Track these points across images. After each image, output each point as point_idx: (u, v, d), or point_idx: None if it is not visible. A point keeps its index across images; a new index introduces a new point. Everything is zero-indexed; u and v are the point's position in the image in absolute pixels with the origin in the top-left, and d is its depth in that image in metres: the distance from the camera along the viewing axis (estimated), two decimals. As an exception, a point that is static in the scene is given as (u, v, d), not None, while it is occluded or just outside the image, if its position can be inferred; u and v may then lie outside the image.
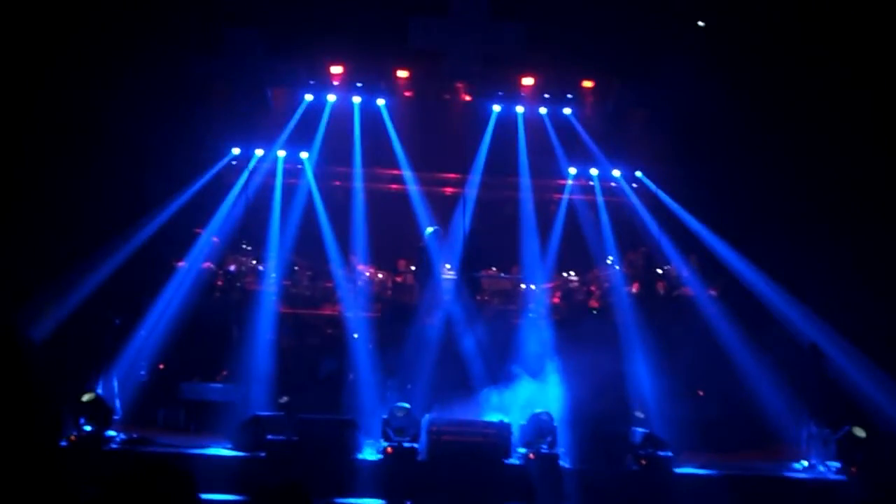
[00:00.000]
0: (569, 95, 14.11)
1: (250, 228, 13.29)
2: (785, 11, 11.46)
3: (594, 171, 14.37)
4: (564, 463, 9.30)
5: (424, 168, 14.10)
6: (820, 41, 11.34)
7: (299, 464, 8.85)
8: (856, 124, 11.54)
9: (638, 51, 12.75)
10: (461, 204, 13.29)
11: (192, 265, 12.38)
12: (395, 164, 14.02)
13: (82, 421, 9.21)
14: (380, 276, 13.46)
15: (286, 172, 13.91)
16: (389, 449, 9.21)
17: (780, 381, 10.76)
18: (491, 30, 13.19)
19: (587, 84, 13.98)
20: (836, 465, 9.57)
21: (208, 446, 9.48)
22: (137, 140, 11.31)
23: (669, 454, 9.36)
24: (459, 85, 14.19)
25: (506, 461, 9.30)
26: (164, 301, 11.59)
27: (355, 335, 11.81)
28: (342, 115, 13.93)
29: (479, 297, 12.77)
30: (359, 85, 13.83)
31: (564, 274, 13.80)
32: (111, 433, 9.44)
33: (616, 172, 14.33)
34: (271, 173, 13.79)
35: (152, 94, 11.42)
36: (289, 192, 13.67)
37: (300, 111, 13.84)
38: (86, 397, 9.43)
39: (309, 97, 13.83)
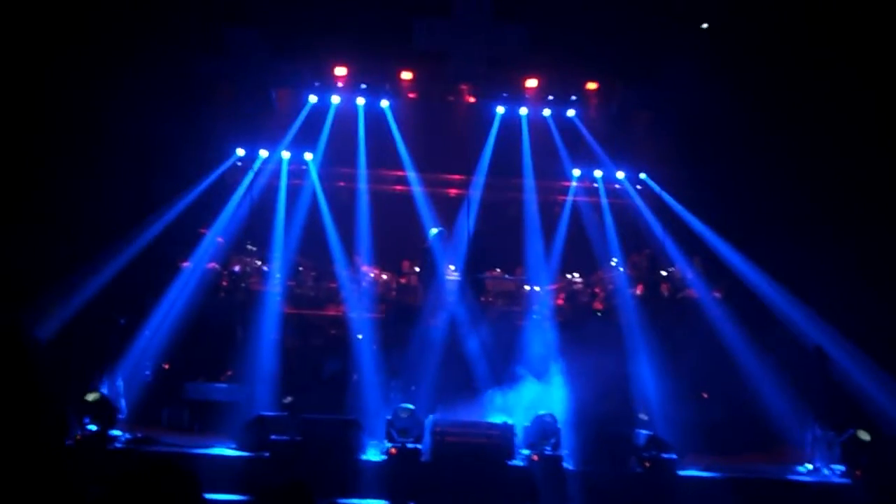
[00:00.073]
0: (573, 97, 14.13)
1: (255, 229, 13.31)
2: (789, 13, 11.45)
3: (598, 173, 14.38)
4: (568, 465, 9.29)
5: (428, 169, 14.12)
6: (823, 42, 11.33)
7: (303, 464, 8.85)
8: (860, 126, 11.52)
9: (642, 53, 12.76)
10: (465, 205, 13.31)
11: (197, 265, 12.40)
12: (399, 166, 14.05)
13: (87, 420, 9.22)
14: (384, 277, 13.48)
15: (291, 173, 13.93)
16: (393, 450, 9.21)
17: (785, 383, 10.74)
18: (495, 31, 13.21)
19: (591, 86, 14.00)
20: (840, 468, 9.55)
21: (212, 446, 9.49)
22: (142, 140, 11.35)
23: (673, 456, 9.34)
24: (463, 86, 14.23)
25: (509, 463, 9.29)
26: (169, 301, 11.60)
27: (359, 336, 11.82)
28: (346, 116, 13.97)
29: (483, 299, 12.78)
30: (363, 86, 13.86)
31: (568, 275, 13.81)
32: (116, 433, 9.45)
33: (620, 174, 14.33)
34: (276, 174, 13.82)
35: (157, 94, 11.45)
36: (293, 193, 13.70)
37: (304, 112, 13.88)
38: (90, 397, 9.44)
39: (313, 98, 13.86)
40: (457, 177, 14.54)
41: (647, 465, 9.27)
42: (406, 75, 13.78)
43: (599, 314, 12.90)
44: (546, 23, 12.73)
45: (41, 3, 10.51)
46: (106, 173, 11.17)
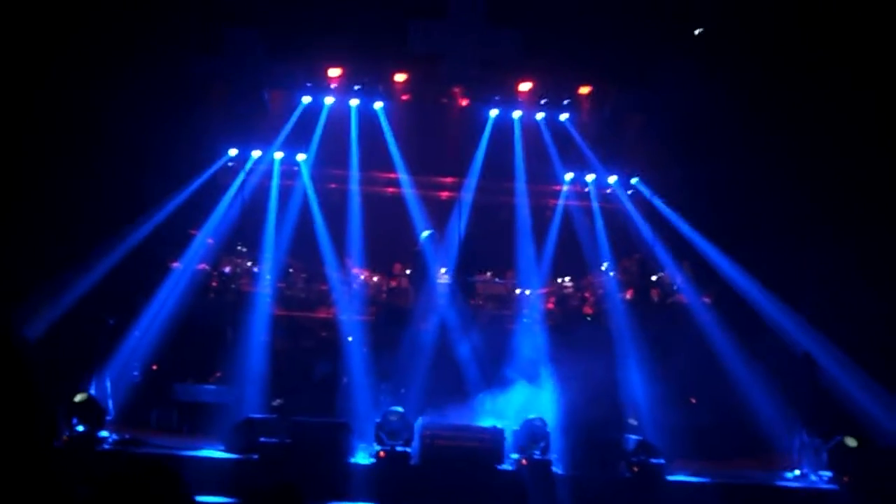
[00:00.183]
0: (565, 101, 14.14)
1: (246, 230, 13.26)
2: (782, 15, 11.50)
3: (590, 177, 14.40)
4: (557, 469, 9.30)
5: (421, 172, 14.11)
6: (817, 46, 11.37)
7: (292, 467, 8.82)
8: (853, 130, 11.56)
9: (635, 57, 12.78)
10: (457, 208, 13.30)
11: (187, 266, 12.36)
12: (391, 168, 14.03)
13: (75, 421, 9.17)
14: (375, 279, 13.46)
15: (282, 174, 13.89)
16: (382, 453, 9.20)
17: (773, 389, 10.78)
18: (488, 34, 13.22)
19: (584, 90, 14.02)
20: (827, 474, 9.59)
21: (201, 448, 9.45)
22: (134, 140, 11.29)
23: (662, 461, 9.37)
24: (457, 89, 14.22)
25: (499, 466, 9.29)
26: (159, 302, 11.56)
27: (349, 338, 11.80)
28: (339, 117, 13.94)
29: (473, 302, 12.79)
30: (356, 88, 13.84)
31: (559, 280, 13.83)
32: (104, 434, 9.41)
33: (612, 179, 14.36)
34: (267, 175, 13.78)
35: (149, 94, 11.40)
36: (285, 194, 13.65)
37: (297, 113, 13.84)
38: (78, 398, 9.39)
39: (306, 99, 13.83)
40: (449, 179, 14.53)
41: (636, 469, 9.29)
42: (400, 77, 13.77)
43: (589, 318, 12.93)
44: (540, 26, 12.75)
45: (36, 3, 10.46)
46: (97, 172, 11.12)
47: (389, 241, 13.68)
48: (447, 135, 14.34)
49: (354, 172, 13.87)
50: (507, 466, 9.36)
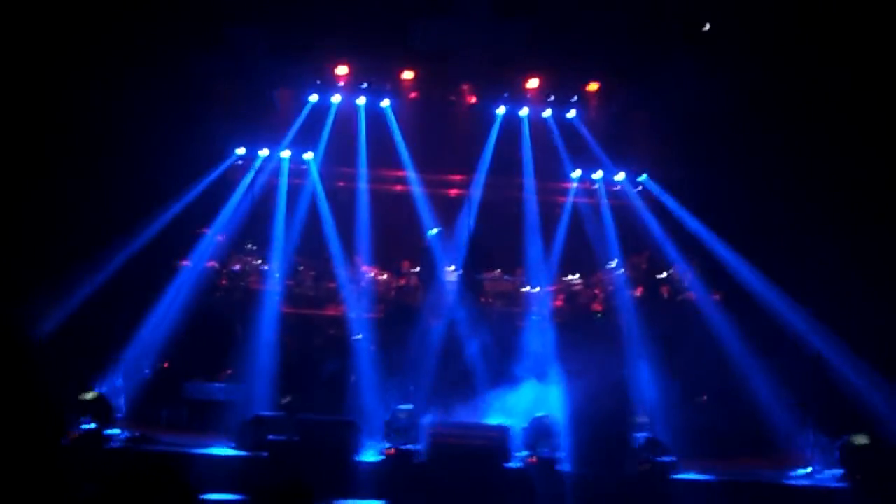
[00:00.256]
0: (573, 98, 14.10)
1: (255, 228, 13.30)
2: (790, 12, 11.43)
3: (598, 174, 14.36)
4: (565, 467, 9.29)
5: (429, 169, 14.10)
6: (824, 42, 11.30)
7: (300, 464, 8.85)
8: (862, 126, 11.49)
9: (643, 53, 12.73)
10: (465, 206, 13.28)
11: (197, 264, 12.41)
12: (399, 166, 14.03)
13: (85, 419, 9.22)
14: (383, 277, 13.48)
15: (291, 173, 13.92)
16: (391, 450, 9.21)
17: (783, 387, 10.73)
18: (496, 31, 13.19)
19: (592, 86, 13.98)
20: (838, 472, 9.54)
21: (210, 445, 9.49)
22: (143, 140, 11.34)
23: (671, 459, 9.34)
24: (464, 87, 14.21)
25: (506, 464, 9.29)
26: (168, 300, 11.61)
27: (358, 336, 11.82)
28: (347, 116, 13.95)
29: (482, 300, 12.78)
30: (364, 86, 13.84)
31: (568, 277, 13.80)
32: (113, 431, 9.47)
33: (620, 175, 14.31)
34: (276, 173, 13.81)
35: (157, 93, 11.44)
36: (293, 192, 13.69)
37: (305, 112, 13.86)
38: (88, 395, 9.45)
39: (314, 98, 13.85)
40: (457, 177, 14.52)
41: (645, 467, 9.26)
42: (407, 75, 13.76)
43: (599, 316, 12.89)
44: (547, 23, 12.71)
45: (40, 3, 10.50)
46: (105, 171, 11.17)
47: (398, 239, 13.69)
48: (455, 132, 14.32)
49: (363, 170, 13.88)
50: (514, 464, 9.35)
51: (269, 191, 13.70)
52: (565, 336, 11.60)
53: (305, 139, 13.86)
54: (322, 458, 8.95)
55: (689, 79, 12.07)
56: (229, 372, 11.33)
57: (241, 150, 13.74)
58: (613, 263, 13.60)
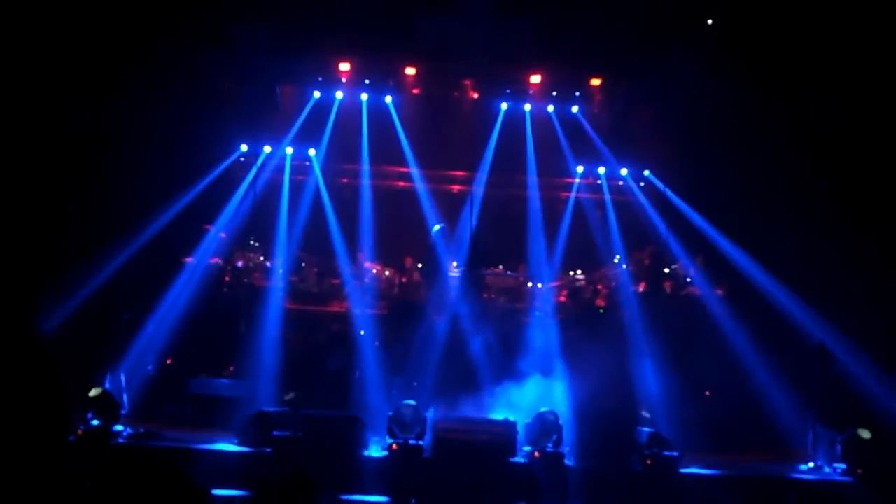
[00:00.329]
0: (576, 93, 14.08)
1: (258, 225, 13.31)
2: (794, 8, 11.41)
3: (602, 170, 14.34)
4: (569, 462, 9.31)
5: (432, 166, 14.10)
6: (830, 37, 11.28)
7: (305, 460, 8.86)
8: (868, 122, 11.47)
9: (646, 48, 12.71)
10: (468, 202, 13.28)
11: (200, 261, 12.42)
12: (402, 162, 14.02)
13: (90, 415, 9.26)
14: (387, 273, 13.48)
15: (294, 169, 13.92)
16: (395, 446, 9.23)
17: (787, 381, 10.73)
18: (499, 27, 13.17)
19: (595, 82, 13.95)
20: (841, 466, 9.55)
21: (215, 441, 9.52)
22: (146, 137, 11.36)
23: (675, 454, 9.35)
24: (467, 82, 14.18)
25: (511, 459, 9.30)
26: (172, 296, 11.62)
27: (362, 332, 11.83)
28: (350, 112, 13.95)
29: (485, 296, 12.79)
30: (367, 82, 13.83)
31: (571, 272, 13.80)
32: (118, 428, 9.49)
33: (623, 171, 14.30)
34: (279, 170, 13.81)
35: (161, 91, 11.45)
36: (297, 188, 13.69)
37: (308, 108, 13.86)
38: (93, 392, 9.47)
39: (317, 94, 13.85)
40: (460, 173, 14.51)
41: (649, 462, 9.28)
42: (410, 71, 13.75)
43: (602, 311, 12.89)
44: (550, 18, 12.70)
45: (47, 4, 10.52)
46: (110, 169, 11.18)
47: (401, 236, 13.69)
48: (458, 128, 14.32)
49: (365, 167, 13.88)
50: (519, 459, 9.37)
51: (273, 187, 13.70)
52: (569, 332, 11.61)
53: (308, 136, 13.86)
54: (327, 453, 8.98)
55: (693, 73, 12.05)
56: (233, 368, 11.36)
57: (244, 147, 13.74)
58: (617, 259, 13.59)
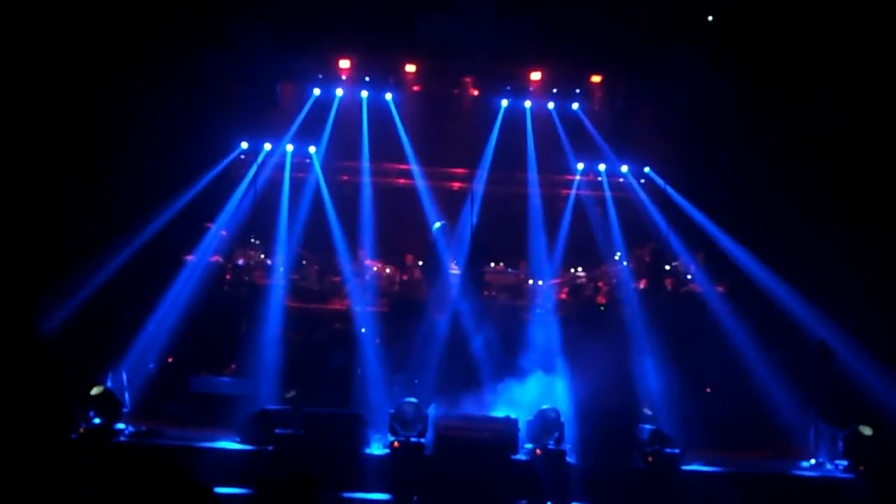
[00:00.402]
0: (577, 90, 14.07)
1: (258, 222, 13.31)
2: (795, 6, 11.39)
3: (602, 167, 14.34)
4: (571, 459, 9.31)
5: (432, 163, 14.09)
6: (831, 34, 11.26)
7: (306, 457, 8.87)
8: (869, 119, 11.46)
9: (647, 45, 12.69)
10: (469, 199, 13.28)
11: (201, 259, 12.42)
12: (403, 159, 14.02)
13: (92, 414, 9.25)
14: (387, 270, 13.48)
15: (294, 167, 13.91)
16: (396, 443, 9.23)
17: (788, 378, 10.73)
18: (499, 24, 13.15)
19: (595, 79, 13.94)
20: (843, 463, 9.55)
21: (216, 439, 9.51)
22: (146, 135, 11.34)
23: (676, 451, 9.35)
24: (467, 79, 14.18)
25: (512, 457, 9.30)
26: (173, 295, 11.62)
27: (363, 330, 11.83)
28: (350, 109, 13.94)
29: (486, 293, 12.78)
30: (367, 79, 13.82)
31: (572, 270, 13.79)
32: (120, 426, 9.49)
33: (624, 168, 14.29)
34: (280, 167, 13.80)
35: (161, 89, 11.43)
36: (297, 186, 13.68)
37: (308, 105, 13.85)
38: (95, 390, 9.47)
39: (317, 91, 13.84)
40: (460, 170, 14.51)
41: (650, 459, 9.28)
42: (410, 68, 13.73)
43: (603, 308, 12.89)
44: (550, 15, 12.68)
45: (46, 2, 10.50)
46: (110, 167, 11.17)
47: (402, 233, 13.69)
48: (458, 125, 14.32)
49: (366, 164, 13.88)
50: (521, 456, 9.37)
51: (273, 185, 13.69)
52: (570, 329, 11.60)
53: (309, 133, 13.85)
54: (328, 451, 8.97)
55: (693, 70, 12.04)
56: (234, 366, 11.36)
57: (244, 145, 13.73)
58: (617, 256, 13.59)
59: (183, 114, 11.74)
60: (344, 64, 13.66)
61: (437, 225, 13.00)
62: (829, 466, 9.68)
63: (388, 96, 13.97)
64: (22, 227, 10.34)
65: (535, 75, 13.85)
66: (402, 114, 14.04)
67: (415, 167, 13.94)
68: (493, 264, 13.66)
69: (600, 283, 13.55)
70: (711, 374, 11.41)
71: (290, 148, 13.84)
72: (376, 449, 9.42)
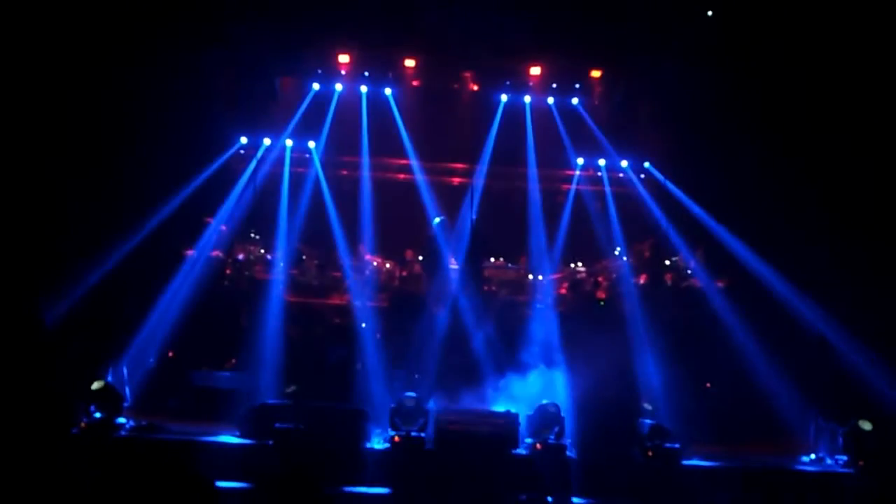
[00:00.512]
0: (577, 85, 14.05)
1: (258, 218, 13.30)
2: (794, 2, 11.39)
3: (602, 162, 14.33)
4: (571, 453, 9.32)
5: (432, 158, 14.09)
6: (831, 29, 11.26)
7: (307, 452, 8.88)
8: (868, 114, 11.46)
9: (647, 40, 12.67)
10: (469, 194, 13.28)
11: (201, 254, 12.42)
12: (402, 154, 14.01)
13: (93, 408, 9.26)
14: (387, 265, 13.48)
15: (294, 161, 13.90)
16: (397, 438, 9.24)
17: (788, 373, 10.74)
18: (499, 19, 13.11)
19: (595, 73, 13.93)
20: (843, 458, 9.57)
21: (217, 434, 9.53)
22: (147, 130, 11.32)
23: (677, 446, 9.37)
24: (467, 74, 14.17)
25: (513, 451, 9.32)
26: (174, 289, 11.62)
27: (363, 325, 11.83)
28: (350, 104, 13.92)
29: (487, 288, 12.79)
30: (366, 74, 13.81)
31: (572, 265, 13.80)
32: (121, 420, 9.49)
33: (624, 163, 14.29)
34: (279, 162, 13.79)
35: (161, 84, 11.41)
36: (297, 181, 13.67)
37: (308, 100, 13.83)
38: (96, 385, 9.47)
39: (316, 86, 13.82)
40: (460, 165, 14.50)
41: (651, 454, 9.30)
42: (409, 63, 13.72)
43: (603, 303, 12.90)
44: (550, 10, 12.64)
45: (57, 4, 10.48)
46: (111, 162, 11.16)
47: (401, 228, 13.69)
48: (458, 120, 14.31)
49: (365, 159, 13.87)
50: (521, 451, 9.38)
51: (273, 180, 13.67)
52: (570, 324, 11.61)
53: (308, 128, 13.83)
54: (328, 445, 8.98)
55: (693, 65, 12.03)
56: (235, 361, 11.36)
57: (244, 140, 13.71)
58: (617, 251, 13.59)
59: (182, 109, 11.72)
60: (343, 59, 13.64)
61: (437, 220, 13.00)
62: (828, 461, 9.71)
63: (388, 91, 13.96)
64: (23, 222, 10.32)
65: (535, 70, 13.84)
66: (401, 109, 14.03)
67: (414, 162, 13.93)
68: (492, 259, 13.67)
69: (600, 279, 13.56)
70: (711, 369, 11.43)
71: (289, 143, 13.82)
72: (376, 443, 9.43)
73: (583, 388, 10.11)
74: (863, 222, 11.50)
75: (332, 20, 12.55)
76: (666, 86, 13.08)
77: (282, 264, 12.82)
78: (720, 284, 12.71)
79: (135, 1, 11.09)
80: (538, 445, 9.35)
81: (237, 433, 9.51)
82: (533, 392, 10.24)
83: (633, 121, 14.23)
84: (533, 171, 14.12)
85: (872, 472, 9.15)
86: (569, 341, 11.06)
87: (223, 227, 12.97)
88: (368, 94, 13.93)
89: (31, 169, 10.47)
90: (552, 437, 9.47)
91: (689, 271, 13.22)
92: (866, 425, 9.67)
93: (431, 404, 9.90)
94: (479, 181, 13.78)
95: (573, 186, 14.37)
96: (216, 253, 12.71)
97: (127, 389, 10.31)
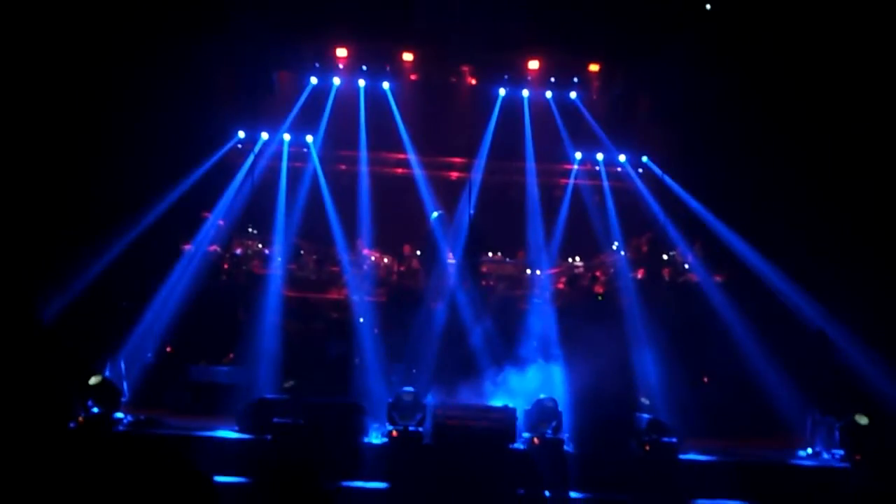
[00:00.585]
0: (575, 79, 14.04)
1: (256, 212, 13.29)
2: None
3: (600, 156, 14.32)
4: (569, 448, 9.34)
5: (430, 152, 14.08)
6: (827, 23, 11.24)
7: (305, 447, 8.89)
8: (865, 108, 11.45)
9: (645, 34, 12.65)
10: (467, 188, 13.27)
11: (199, 248, 12.41)
12: (400, 148, 14.00)
13: (90, 403, 9.26)
14: (385, 260, 13.48)
15: (292, 156, 13.89)
16: (394, 432, 9.26)
17: (786, 368, 10.76)
18: (497, 12, 13.09)
19: (593, 68, 13.91)
20: (840, 452, 9.59)
21: (215, 428, 9.52)
22: (144, 125, 11.30)
23: (674, 440, 9.38)
24: (465, 68, 14.15)
25: (510, 446, 9.33)
26: (171, 284, 11.61)
27: (361, 319, 11.83)
28: (347, 98, 13.90)
29: (484, 283, 12.79)
30: (364, 68, 13.78)
31: (569, 259, 13.80)
32: (119, 415, 9.50)
33: (622, 157, 14.28)
34: (277, 157, 13.78)
35: (158, 78, 11.38)
36: (294, 175, 13.66)
37: (305, 94, 13.81)
38: (94, 380, 9.46)
39: (314, 80, 13.79)
40: (458, 160, 14.50)
41: (648, 448, 9.31)
42: (407, 56, 13.69)
43: (600, 298, 12.91)
44: (548, 4, 12.62)
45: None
46: (108, 157, 11.14)
47: (399, 222, 13.69)
48: (456, 114, 14.29)
49: (363, 153, 13.86)
50: (518, 445, 9.40)
51: (270, 174, 13.66)
52: (567, 319, 11.61)
53: (306, 122, 13.82)
54: (327, 440, 8.99)
55: (692, 59, 12.01)
56: (232, 356, 11.36)
57: (241, 134, 13.69)
58: (615, 246, 13.60)
59: (180, 103, 11.70)
60: (341, 52, 13.62)
61: (435, 214, 13.00)
62: (825, 456, 9.72)
63: (386, 85, 13.94)
64: (20, 217, 10.31)
65: (533, 64, 13.82)
66: (399, 103, 14.02)
67: (412, 156, 13.92)
68: (490, 254, 13.67)
69: (598, 273, 13.57)
70: (708, 363, 11.44)
71: (287, 137, 13.82)
72: (374, 438, 9.44)
73: (580, 383, 10.11)
74: (861, 216, 11.50)
75: (329, 14, 12.52)
76: (664, 80, 13.06)
77: (280, 259, 12.82)
78: (717, 279, 12.72)
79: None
80: (536, 440, 9.35)
81: (235, 428, 9.51)
82: (531, 386, 10.24)
83: (631, 115, 14.23)
84: (531, 165, 14.12)
85: (869, 467, 9.16)
86: (566, 336, 11.06)
87: (221, 222, 12.97)
88: (366, 88, 13.92)
89: (28, 163, 10.46)
90: (550, 431, 9.47)
91: (686, 266, 13.23)
92: (863, 420, 9.68)
93: (429, 399, 9.90)
94: (476, 175, 13.79)
95: (571, 181, 14.37)
96: (214, 248, 12.71)
97: (125, 384, 10.32)
